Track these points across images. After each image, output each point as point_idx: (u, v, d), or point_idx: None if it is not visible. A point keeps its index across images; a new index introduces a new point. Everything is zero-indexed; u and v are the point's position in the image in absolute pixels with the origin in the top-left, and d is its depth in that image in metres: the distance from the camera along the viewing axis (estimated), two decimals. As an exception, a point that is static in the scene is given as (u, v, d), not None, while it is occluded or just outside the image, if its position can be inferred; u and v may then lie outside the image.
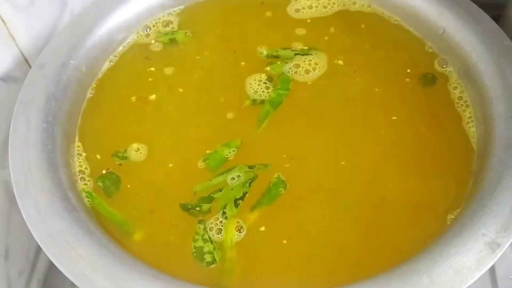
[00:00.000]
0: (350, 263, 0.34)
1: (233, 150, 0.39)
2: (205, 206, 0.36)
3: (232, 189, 0.37)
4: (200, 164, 0.38)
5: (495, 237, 0.31)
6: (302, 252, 0.35)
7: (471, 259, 0.30)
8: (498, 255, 0.30)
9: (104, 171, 0.38)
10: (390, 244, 0.34)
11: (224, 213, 0.36)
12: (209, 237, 0.35)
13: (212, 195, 0.37)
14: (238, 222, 0.36)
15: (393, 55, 0.44)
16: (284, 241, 0.35)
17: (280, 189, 0.37)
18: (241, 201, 0.36)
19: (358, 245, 0.35)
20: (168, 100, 0.43)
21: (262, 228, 0.35)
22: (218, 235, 0.35)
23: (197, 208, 0.36)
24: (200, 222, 0.36)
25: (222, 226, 0.36)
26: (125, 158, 0.39)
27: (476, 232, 0.31)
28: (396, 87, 0.42)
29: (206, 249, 0.35)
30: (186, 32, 0.47)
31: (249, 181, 0.37)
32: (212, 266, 0.34)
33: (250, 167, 0.38)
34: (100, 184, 0.38)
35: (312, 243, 0.35)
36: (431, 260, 0.30)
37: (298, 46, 0.45)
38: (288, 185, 0.37)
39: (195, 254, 0.34)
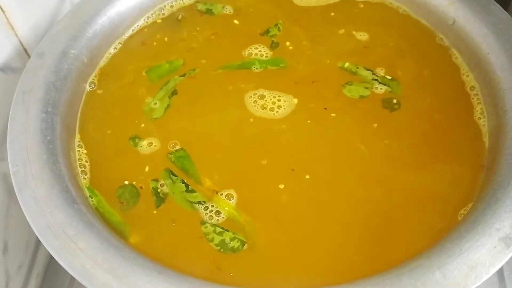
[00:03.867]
0: (361, 258, 0.33)
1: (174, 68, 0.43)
2: (153, 184, 0.37)
3: (174, 193, 0.36)
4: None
5: (509, 232, 0.30)
6: (307, 249, 0.34)
7: (485, 255, 0.29)
8: (514, 251, 0.29)
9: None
10: (401, 238, 0.34)
11: (200, 202, 0.36)
12: (222, 228, 0.34)
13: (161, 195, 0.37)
14: (221, 194, 0.36)
15: (404, 47, 0.44)
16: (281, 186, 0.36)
17: (184, 156, 0.38)
18: (189, 186, 0.37)
19: (369, 240, 0.34)
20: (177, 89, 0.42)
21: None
22: (219, 218, 0.35)
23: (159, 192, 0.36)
24: (202, 223, 0.35)
25: (217, 210, 0.35)
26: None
27: (490, 227, 0.30)
28: (406, 77, 0.42)
29: (227, 239, 0.34)
30: (223, 7, 0.47)
31: (170, 175, 0.37)
32: (245, 247, 0.34)
33: (181, 75, 0.42)
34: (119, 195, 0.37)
35: (320, 238, 0.34)
36: (444, 255, 0.29)
37: (380, 72, 0.42)
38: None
39: (222, 250, 0.34)
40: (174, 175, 0.37)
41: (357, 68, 0.42)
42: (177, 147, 0.39)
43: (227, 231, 0.34)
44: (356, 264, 0.33)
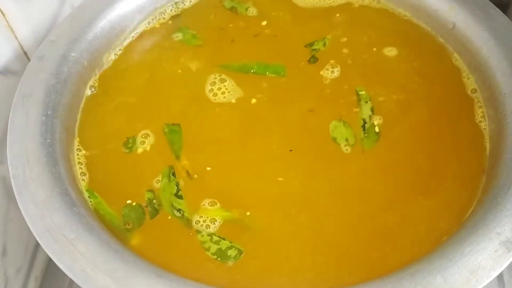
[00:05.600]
0: (361, 261, 0.33)
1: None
2: (148, 195, 0.36)
3: (164, 191, 0.36)
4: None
5: (510, 236, 0.30)
6: (304, 245, 0.34)
7: (486, 259, 0.29)
8: (514, 255, 0.29)
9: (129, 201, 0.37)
10: (402, 242, 0.33)
11: (179, 210, 0.35)
12: (218, 236, 0.34)
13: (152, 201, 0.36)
14: (203, 205, 0.36)
15: (402, 51, 0.44)
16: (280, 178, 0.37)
17: (176, 131, 0.39)
18: (180, 191, 0.36)
19: (369, 244, 0.34)
20: (175, 93, 0.42)
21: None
22: (215, 225, 0.35)
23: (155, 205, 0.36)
24: (198, 232, 0.35)
25: (211, 219, 0.35)
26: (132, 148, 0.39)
27: (491, 231, 0.30)
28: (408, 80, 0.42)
29: (224, 247, 0.34)
30: (247, 8, 0.47)
31: (171, 174, 0.37)
32: (242, 255, 0.33)
33: None
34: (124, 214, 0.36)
35: (317, 241, 0.34)
36: (445, 259, 0.29)
37: (377, 119, 0.39)
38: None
39: (219, 259, 0.33)
40: (174, 175, 0.37)
41: (366, 102, 0.40)
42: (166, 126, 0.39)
43: (224, 239, 0.34)
44: (356, 268, 0.33)
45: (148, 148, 0.39)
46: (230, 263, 0.33)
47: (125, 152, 0.39)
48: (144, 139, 0.39)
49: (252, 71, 0.43)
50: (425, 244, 0.32)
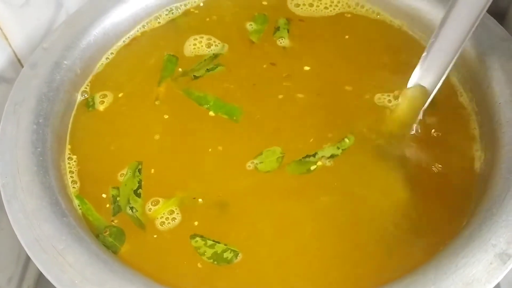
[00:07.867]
0: (355, 274, 0.32)
1: None
2: (113, 191, 0.36)
3: (126, 185, 0.36)
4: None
5: (505, 248, 0.29)
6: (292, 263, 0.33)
7: (481, 271, 0.29)
8: (510, 267, 0.29)
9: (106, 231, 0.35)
10: (396, 254, 0.33)
11: (132, 208, 0.35)
12: (213, 240, 0.34)
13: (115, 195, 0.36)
14: (150, 209, 0.36)
15: (394, 61, 0.43)
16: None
17: (173, 61, 0.43)
18: (140, 189, 0.36)
19: (362, 256, 0.33)
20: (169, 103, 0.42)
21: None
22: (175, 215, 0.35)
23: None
24: (192, 236, 0.34)
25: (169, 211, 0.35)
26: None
27: (486, 243, 0.30)
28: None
29: (219, 251, 0.33)
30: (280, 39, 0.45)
31: (137, 169, 0.37)
32: (239, 257, 0.33)
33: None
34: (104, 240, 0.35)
35: (305, 252, 0.34)
36: (439, 271, 0.29)
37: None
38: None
39: (215, 263, 0.33)
40: (139, 172, 0.37)
41: (338, 148, 0.38)
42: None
43: (218, 243, 0.34)
44: (350, 280, 0.32)
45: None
46: (227, 265, 0.33)
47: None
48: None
49: (206, 106, 0.41)
50: (419, 256, 0.32)
